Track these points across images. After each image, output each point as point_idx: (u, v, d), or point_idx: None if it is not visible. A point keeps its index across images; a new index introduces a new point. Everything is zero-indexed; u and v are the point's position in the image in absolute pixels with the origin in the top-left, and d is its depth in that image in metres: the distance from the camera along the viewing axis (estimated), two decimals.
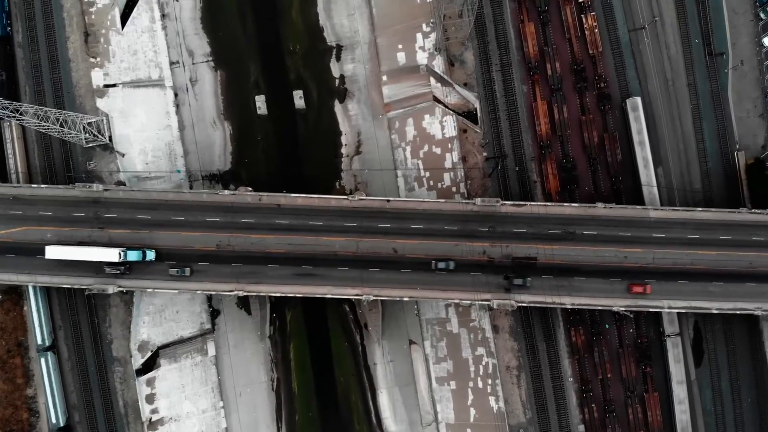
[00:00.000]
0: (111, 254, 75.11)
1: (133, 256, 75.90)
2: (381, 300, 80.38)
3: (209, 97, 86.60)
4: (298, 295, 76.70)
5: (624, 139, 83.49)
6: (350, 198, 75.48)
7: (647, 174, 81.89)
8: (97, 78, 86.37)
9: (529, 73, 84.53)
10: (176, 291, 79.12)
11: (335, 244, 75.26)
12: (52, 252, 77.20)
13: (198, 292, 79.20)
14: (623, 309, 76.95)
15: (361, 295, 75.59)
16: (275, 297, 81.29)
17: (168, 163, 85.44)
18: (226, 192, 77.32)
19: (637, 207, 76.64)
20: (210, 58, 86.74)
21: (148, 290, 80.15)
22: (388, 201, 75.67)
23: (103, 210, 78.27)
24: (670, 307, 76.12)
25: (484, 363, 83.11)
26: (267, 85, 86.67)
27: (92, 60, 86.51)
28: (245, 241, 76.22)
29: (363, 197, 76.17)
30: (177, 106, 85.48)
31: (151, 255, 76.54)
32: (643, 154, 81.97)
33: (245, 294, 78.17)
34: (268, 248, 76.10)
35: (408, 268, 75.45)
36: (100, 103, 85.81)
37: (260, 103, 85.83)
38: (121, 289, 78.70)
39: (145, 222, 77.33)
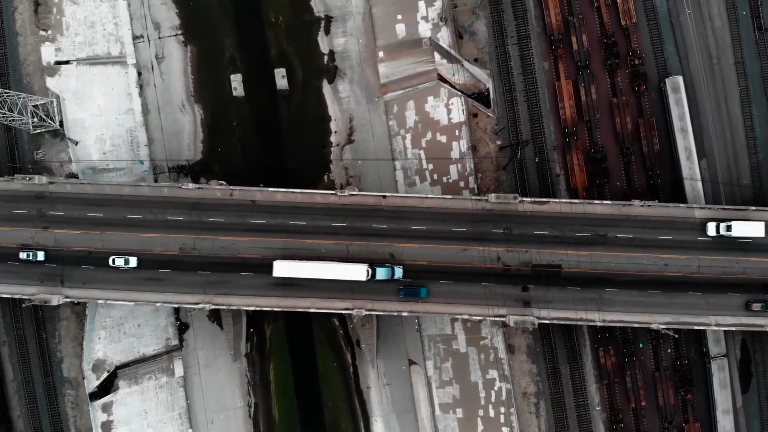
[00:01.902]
0: (357, 272, 65.32)
1: (382, 274, 66.13)
2: (375, 314, 74.00)
3: (178, 77, 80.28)
4: (276, 309, 70.51)
5: (662, 126, 76.17)
6: (339, 193, 68.97)
7: (690, 167, 73.82)
8: (48, 54, 79.35)
9: (551, 47, 77.53)
10: (132, 303, 71.97)
11: (321, 248, 68.72)
12: (282, 269, 65.89)
13: (157, 304, 71.77)
14: (664, 327, 69.45)
15: (352, 309, 68.80)
16: (251, 310, 74.98)
17: (129, 152, 79.11)
18: (191, 185, 69.92)
19: (680, 205, 69.30)
20: (179, 32, 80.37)
21: (99, 301, 72.56)
22: (385, 197, 69.03)
23: (48, 206, 71.63)
24: (717, 324, 68.47)
25: (496, 388, 76.76)
26: (244, 63, 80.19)
27: (42, 33, 79.74)
28: (213, 244, 69.37)
29: (354, 192, 69.69)
30: (140, 86, 79.35)
31: (399, 272, 66.93)
32: (686, 143, 73.98)
33: (214, 307, 70.68)
34: (240, 253, 69.30)
35: (407, 277, 68.60)
36: (51, 83, 79.05)
37: (236, 83, 79.34)
38: (69, 299, 71.89)
39: (96, 221, 70.53)
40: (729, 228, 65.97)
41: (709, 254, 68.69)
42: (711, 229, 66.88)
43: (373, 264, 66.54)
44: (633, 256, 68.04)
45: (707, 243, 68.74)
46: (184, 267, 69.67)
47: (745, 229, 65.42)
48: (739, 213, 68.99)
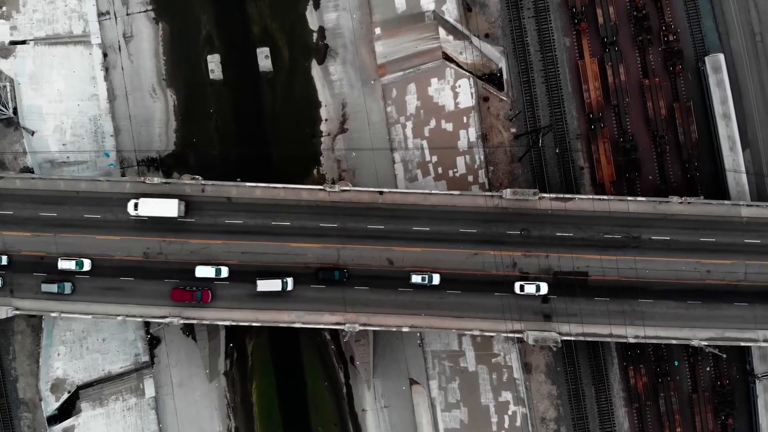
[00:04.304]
0: None
1: None
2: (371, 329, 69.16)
3: (148, 58, 76.93)
4: (254, 324, 65.49)
5: (701, 111, 73.18)
6: (329, 189, 64.53)
7: (734, 158, 70.39)
8: (2, 33, 75.30)
9: (573, 20, 74.56)
10: (90, 316, 66.18)
11: (308, 253, 64.98)
12: None
13: (119, 318, 65.75)
14: (705, 344, 64.69)
15: (344, 324, 64.40)
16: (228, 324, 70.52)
17: (93, 143, 75.07)
18: (156, 180, 65.10)
19: (725, 202, 66.02)
20: (149, 7, 76.85)
21: (53, 314, 66.34)
22: (381, 193, 65.04)
23: None
24: (766, 340, 64.73)
25: (510, 412, 73.08)
26: (223, 42, 77.12)
27: None
28: (182, 248, 64.83)
29: (347, 188, 65.01)
30: (106, 69, 75.54)
31: None
32: (729, 131, 70.81)
33: (183, 321, 65.18)
34: (213, 258, 64.96)
35: (408, 287, 65.07)
36: (4, 65, 74.73)
37: (214, 64, 76.08)
38: (20, 312, 66.46)
39: (49, 221, 66.12)
40: (136, 207, 62.82)
41: (756, 259, 64.50)
42: (131, 207, 63.15)
43: None
44: (670, 261, 64.41)
45: (754, 247, 64.15)
46: (149, 275, 65.36)
47: (153, 208, 62.20)
48: None
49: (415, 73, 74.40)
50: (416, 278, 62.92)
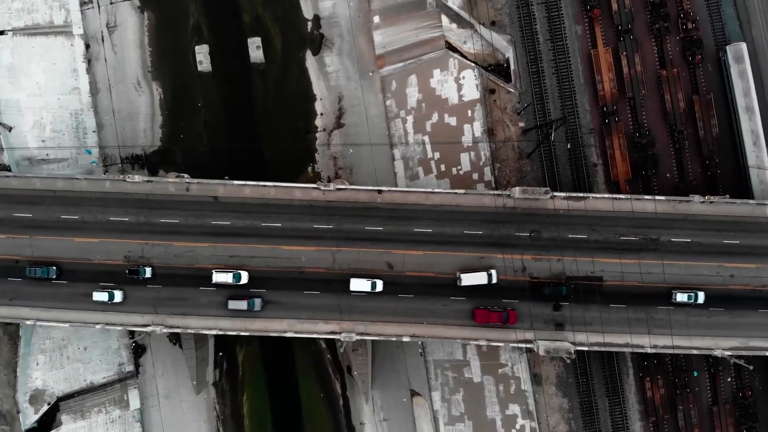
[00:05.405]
0: None
1: None
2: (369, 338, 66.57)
3: (133, 49, 76.13)
4: (243, 334, 62.51)
5: (721, 104, 71.74)
6: (324, 187, 62.03)
7: (758, 154, 68.39)
8: None
9: (585, 7, 72.91)
10: (67, 324, 62.83)
11: (301, 257, 62.59)
12: None
13: (97, 326, 62.37)
14: (729, 354, 61.56)
15: (339, 333, 61.51)
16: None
17: (74, 139, 73.97)
18: (138, 178, 62.72)
19: (749, 201, 63.66)
20: None
21: (28, 322, 63.75)
22: (380, 192, 62.99)
23: None
24: None
25: (518, 426, 71.35)
26: (212, 31, 76.40)
27: None
28: (166, 251, 62.70)
29: (343, 186, 62.41)
30: (88, 61, 74.54)
31: None
32: (752, 125, 69.04)
33: (166, 330, 62.26)
34: (199, 263, 62.61)
35: (409, 292, 62.67)
36: None
37: (202, 56, 75.33)
38: None
39: (23, 222, 63.96)
40: None
41: None
42: None
43: None
44: (691, 265, 62.17)
45: None
46: (129, 280, 63.04)
47: None
48: None
49: (417, 63, 73.09)
50: (681, 296, 58.03)
